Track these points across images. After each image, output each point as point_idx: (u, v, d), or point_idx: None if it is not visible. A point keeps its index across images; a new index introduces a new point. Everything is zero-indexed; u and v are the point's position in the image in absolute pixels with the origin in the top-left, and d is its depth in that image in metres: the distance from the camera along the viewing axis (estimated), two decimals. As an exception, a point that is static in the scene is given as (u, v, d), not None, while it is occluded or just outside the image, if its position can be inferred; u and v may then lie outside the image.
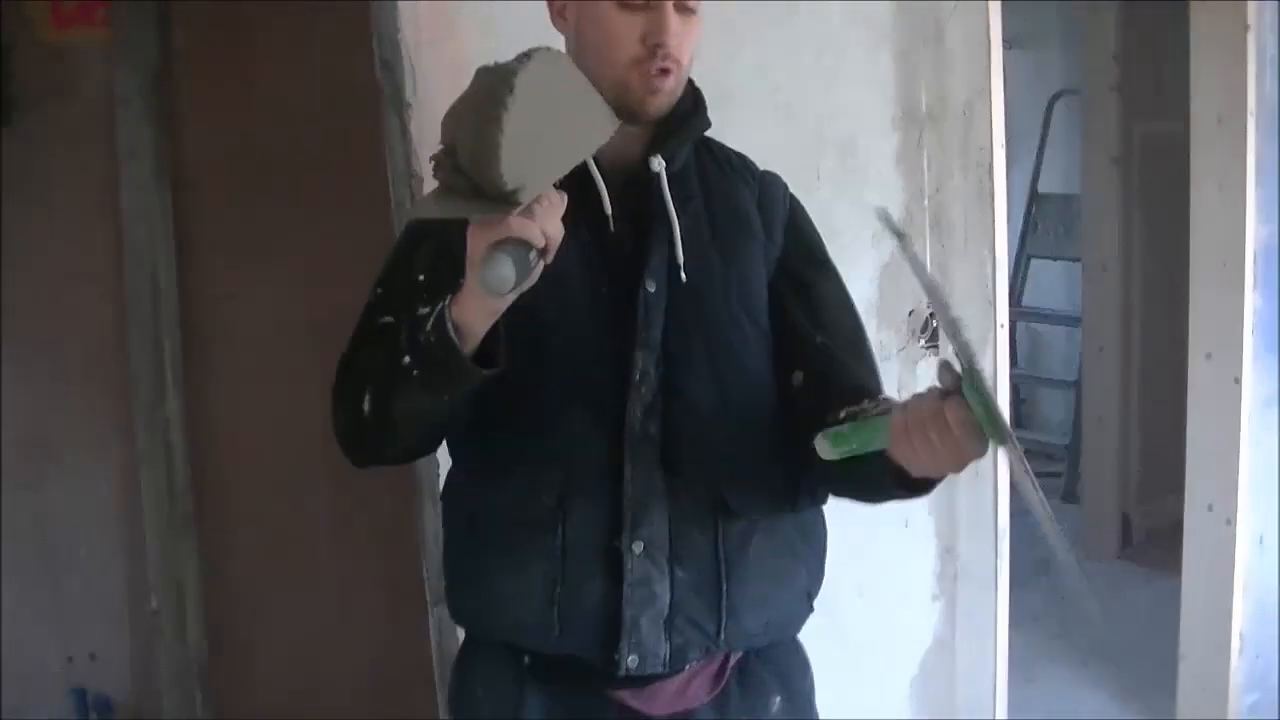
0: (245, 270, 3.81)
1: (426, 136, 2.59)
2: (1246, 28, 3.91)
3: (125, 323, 3.75)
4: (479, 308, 1.72)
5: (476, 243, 1.67)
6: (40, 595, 3.86)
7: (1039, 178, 7.34)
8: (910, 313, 3.25)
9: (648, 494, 1.94)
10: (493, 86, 1.64)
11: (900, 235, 1.86)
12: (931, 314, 3.28)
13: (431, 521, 2.82)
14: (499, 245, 1.63)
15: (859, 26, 3.16)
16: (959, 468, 1.70)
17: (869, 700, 3.29)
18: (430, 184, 2.35)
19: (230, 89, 3.75)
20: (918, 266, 1.82)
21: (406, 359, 1.77)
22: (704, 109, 2.07)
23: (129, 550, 3.87)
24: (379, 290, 2.00)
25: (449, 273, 1.82)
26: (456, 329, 1.72)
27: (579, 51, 1.96)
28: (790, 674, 2.15)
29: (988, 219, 3.37)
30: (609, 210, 1.94)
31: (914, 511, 3.35)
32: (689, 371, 1.97)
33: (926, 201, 3.27)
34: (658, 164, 1.98)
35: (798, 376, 2.04)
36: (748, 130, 2.91)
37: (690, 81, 2.03)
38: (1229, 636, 4.05)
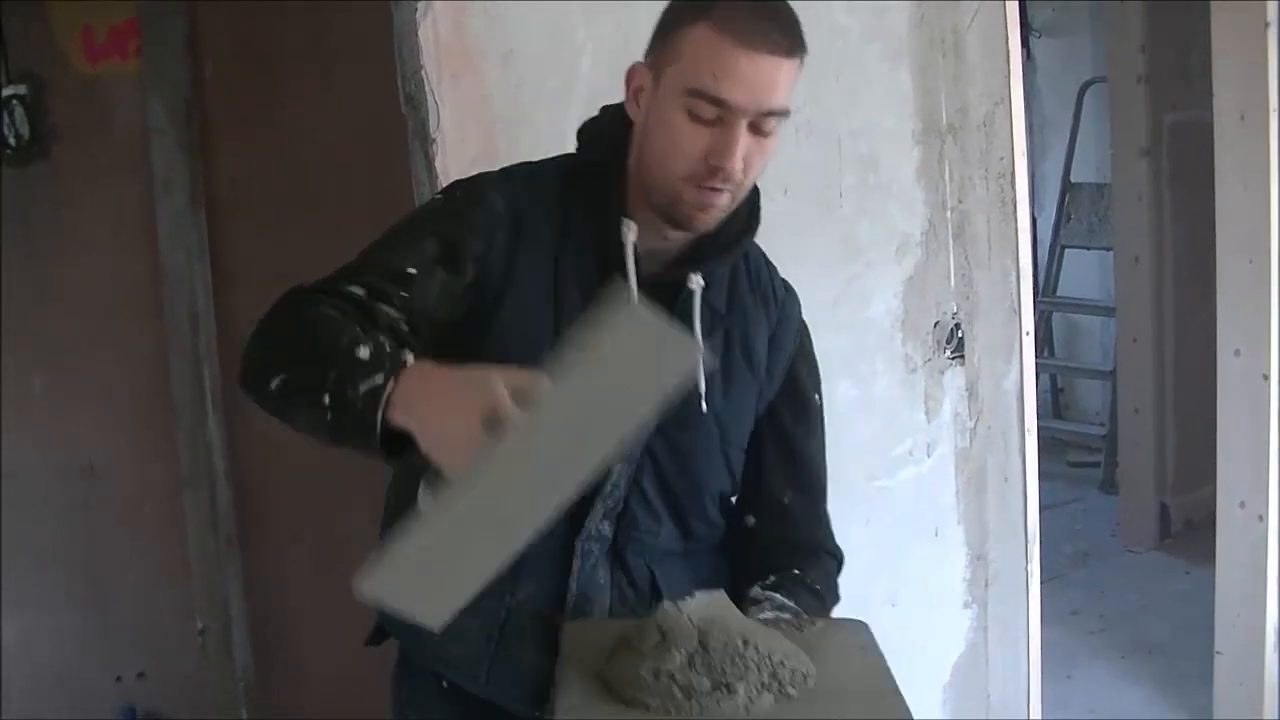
0: (279, 294, 3.86)
1: (451, 168, 2.63)
2: (1267, 25, 3.91)
3: (165, 349, 3.81)
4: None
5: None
6: (89, 616, 3.93)
7: (1071, 167, 7.32)
8: (935, 324, 3.28)
9: (592, 583, 1.96)
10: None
11: None
12: (957, 324, 3.31)
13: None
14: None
15: (877, 43, 3.18)
16: None
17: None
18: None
19: (260, 117, 3.79)
20: None
21: (327, 398, 1.64)
22: (758, 222, 2.00)
23: (175, 572, 3.93)
24: (368, 253, 1.92)
25: (436, 283, 1.84)
26: (384, 416, 1.60)
27: (641, 142, 1.90)
28: None
29: (1011, 228, 3.39)
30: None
31: (944, 520, 3.37)
32: (656, 489, 1.98)
33: (949, 213, 3.29)
34: (696, 282, 1.93)
35: (750, 520, 2.09)
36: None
37: (753, 189, 1.95)
38: (1263, 633, 4.06)
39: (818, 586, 2.06)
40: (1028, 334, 3.43)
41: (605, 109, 2.04)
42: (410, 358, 1.65)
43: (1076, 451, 7.30)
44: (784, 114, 1.83)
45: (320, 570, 3.94)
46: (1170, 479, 6.11)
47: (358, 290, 1.81)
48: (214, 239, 3.81)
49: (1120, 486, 6.45)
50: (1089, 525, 6.41)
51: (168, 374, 3.82)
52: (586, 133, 2.04)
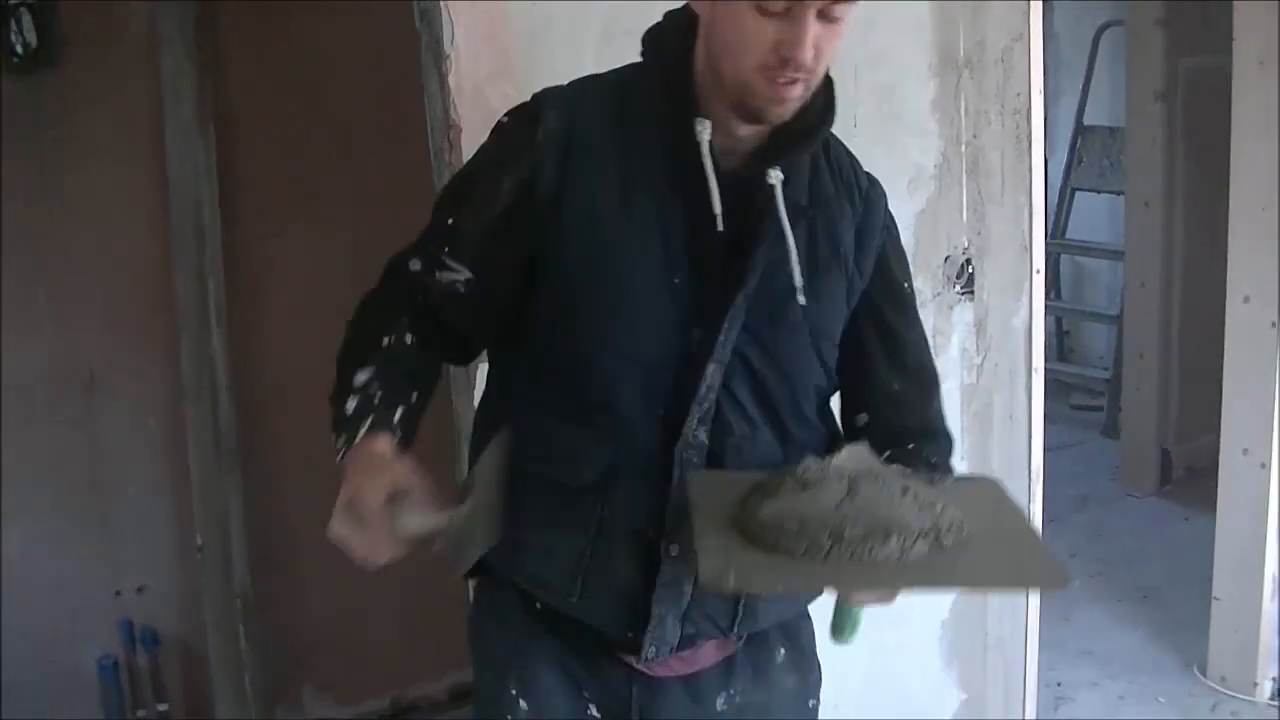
0: (288, 209, 3.86)
1: (465, 85, 2.60)
2: (1289, -31, 3.88)
3: (170, 261, 3.80)
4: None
5: None
6: (89, 530, 3.92)
7: (1085, 110, 7.28)
8: (945, 259, 3.25)
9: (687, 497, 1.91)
10: None
11: None
12: (968, 260, 3.29)
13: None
14: None
15: (898, -28, 3.15)
16: None
17: (901, 642, 3.32)
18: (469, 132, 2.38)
19: (272, 31, 3.77)
20: None
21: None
22: (833, 112, 1.95)
23: (176, 486, 3.93)
24: (435, 206, 2.01)
25: (488, 223, 1.90)
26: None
27: (709, 42, 1.86)
28: (794, 630, 2.16)
29: (1025, 165, 3.35)
30: (717, 209, 1.84)
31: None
32: (749, 391, 1.94)
33: (964, 148, 3.26)
34: (775, 176, 1.87)
35: (862, 419, 2.06)
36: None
37: (827, 79, 1.90)
38: (1261, 579, 4.07)
39: (935, 460, 2.03)
40: (1038, 272, 3.41)
41: (668, 14, 1.99)
42: (364, 431, 1.82)
43: (1080, 395, 7.30)
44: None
45: (321, 489, 3.89)
46: (1173, 425, 6.11)
47: (416, 265, 1.95)
48: (222, 152, 3.79)
49: (1122, 431, 6.45)
50: (1090, 469, 6.42)
51: (172, 287, 3.81)
52: (650, 37, 1.99)
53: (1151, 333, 6.05)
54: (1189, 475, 6.03)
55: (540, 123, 1.90)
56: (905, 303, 2.11)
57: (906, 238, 3.15)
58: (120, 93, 3.78)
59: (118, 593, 3.98)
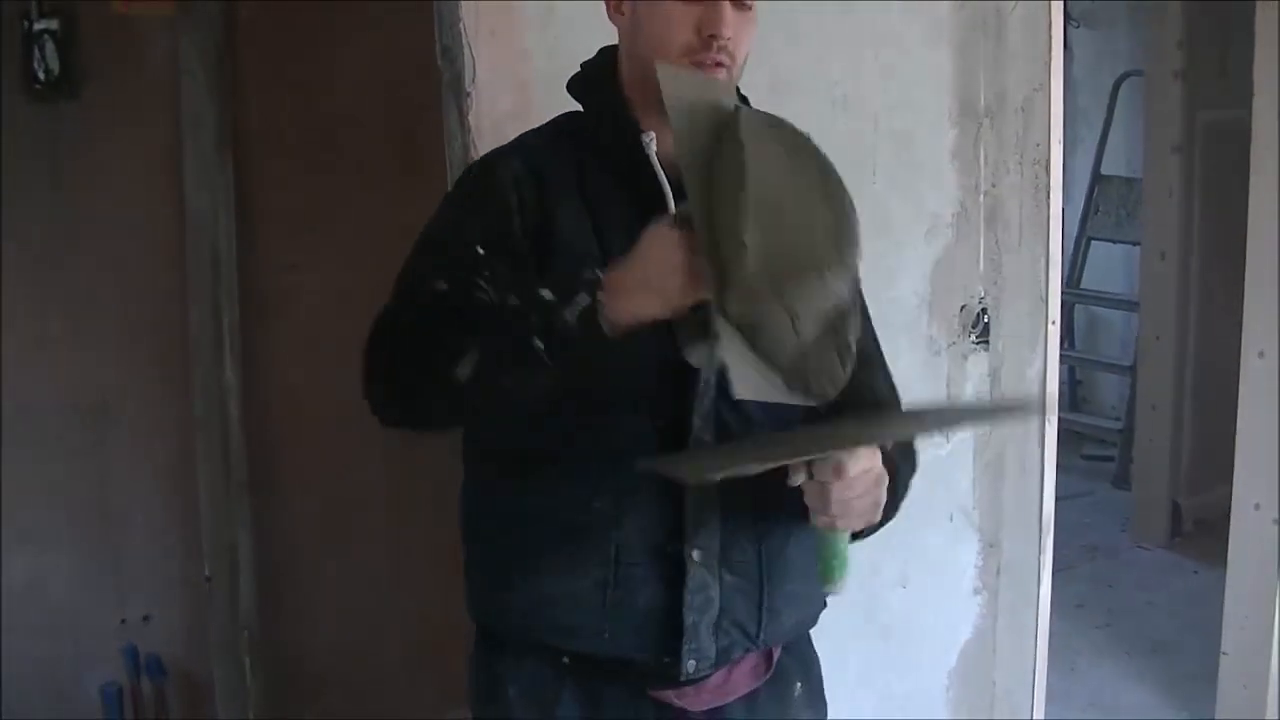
0: (305, 241, 3.86)
1: (484, 123, 2.61)
2: (1313, 26, 3.87)
3: (186, 292, 3.80)
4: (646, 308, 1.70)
5: None
6: (97, 557, 3.92)
7: (1102, 159, 7.28)
8: (961, 308, 3.25)
9: (705, 501, 1.94)
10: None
11: None
12: (983, 309, 3.28)
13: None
14: None
15: (918, 21, 3.15)
16: None
17: (907, 691, 3.31)
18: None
19: (293, 63, 3.79)
20: None
21: (539, 343, 1.67)
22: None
23: (184, 516, 3.92)
24: (432, 254, 1.95)
25: (510, 253, 1.89)
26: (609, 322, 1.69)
27: (633, 44, 1.99)
28: (808, 663, 2.21)
29: (1043, 215, 3.35)
30: (672, 210, 1.87)
31: (959, 505, 3.35)
32: None
33: (982, 197, 3.26)
34: None
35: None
36: (805, 122, 2.94)
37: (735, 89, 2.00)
38: (1271, 635, 4.04)
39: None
40: (1053, 323, 3.40)
41: (584, 62, 2.13)
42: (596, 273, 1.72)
43: (1091, 445, 7.27)
44: None
45: (329, 522, 3.95)
46: (1184, 477, 6.08)
47: (442, 286, 1.84)
48: (240, 183, 3.80)
49: (1133, 482, 6.43)
50: (1099, 519, 6.39)
51: (186, 317, 3.81)
52: (576, 82, 2.13)
53: (1165, 384, 6.03)
54: (1199, 528, 5.99)
55: (505, 167, 1.98)
56: None
57: (922, 286, 3.18)
58: (140, 122, 3.79)
59: (123, 621, 3.97)
